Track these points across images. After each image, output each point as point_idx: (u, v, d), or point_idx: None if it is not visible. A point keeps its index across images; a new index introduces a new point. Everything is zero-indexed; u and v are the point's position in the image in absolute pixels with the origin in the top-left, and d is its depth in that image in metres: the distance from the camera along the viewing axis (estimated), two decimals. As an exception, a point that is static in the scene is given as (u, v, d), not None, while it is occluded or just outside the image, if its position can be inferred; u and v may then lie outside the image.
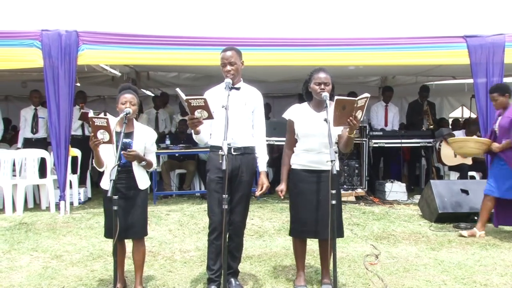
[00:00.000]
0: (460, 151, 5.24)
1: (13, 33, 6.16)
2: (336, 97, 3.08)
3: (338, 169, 3.51)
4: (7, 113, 10.20)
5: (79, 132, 7.76)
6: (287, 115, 3.60)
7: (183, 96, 3.14)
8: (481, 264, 4.17)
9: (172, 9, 8.21)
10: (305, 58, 6.33)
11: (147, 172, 3.59)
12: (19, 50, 6.09)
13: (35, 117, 7.54)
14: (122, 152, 3.30)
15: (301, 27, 7.04)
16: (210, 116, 3.17)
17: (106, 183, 3.33)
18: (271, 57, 6.40)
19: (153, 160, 3.55)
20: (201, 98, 3.12)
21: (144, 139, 3.48)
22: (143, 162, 3.42)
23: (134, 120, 3.54)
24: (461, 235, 5.07)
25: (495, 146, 5.02)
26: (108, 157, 3.34)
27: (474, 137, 5.50)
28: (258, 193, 3.52)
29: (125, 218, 3.35)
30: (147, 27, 6.76)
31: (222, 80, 3.45)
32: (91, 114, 3.38)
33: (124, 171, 3.37)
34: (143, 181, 3.46)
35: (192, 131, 3.39)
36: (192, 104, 3.11)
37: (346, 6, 8.18)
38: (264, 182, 3.52)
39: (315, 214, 3.42)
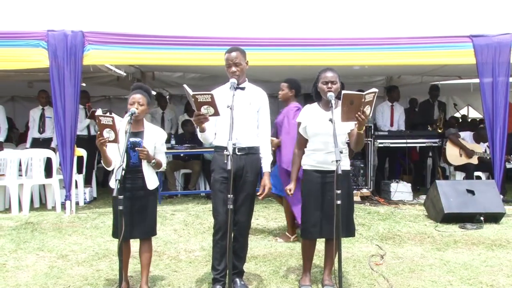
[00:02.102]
0: None
1: (19, 34, 6.19)
2: (343, 92, 3.07)
3: (347, 168, 3.51)
4: (14, 113, 10.27)
5: (85, 132, 7.79)
6: (298, 117, 3.61)
7: (190, 91, 3.13)
8: (487, 264, 4.15)
9: (177, 9, 8.23)
10: (310, 58, 6.32)
11: (156, 172, 3.57)
12: (25, 50, 6.11)
13: (42, 117, 7.58)
14: (137, 149, 3.32)
15: (306, 27, 7.03)
16: (216, 113, 3.15)
17: (114, 182, 3.33)
18: (275, 57, 6.40)
19: (163, 160, 3.54)
20: (208, 94, 3.09)
21: (154, 139, 3.47)
22: (153, 162, 3.41)
23: (144, 120, 3.55)
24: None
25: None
26: (117, 156, 3.33)
27: None
28: (261, 197, 3.54)
29: (133, 218, 3.36)
30: (152, 27, 6.78)
31: (227, 80, 3.45)
32: (98, 112, 3.38)
33: (134, 171, 3.38)
34: (152, 181, 3.46)
35: (197, 129, 3.38)
36: (198, 100, 3.10)
37: (350, 6, 8.17)
38: (266, 184, 3.53)
39: (326, 214, 3.40)
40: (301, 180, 3.62)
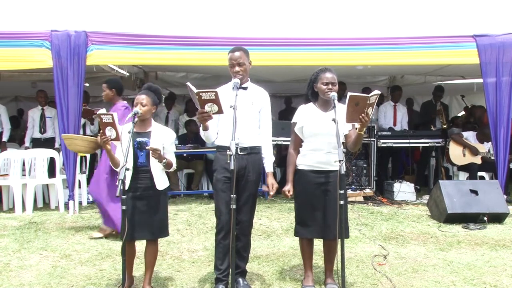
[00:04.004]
0: (70, 148, 5.27)
1: (23, 34, 6.21)
2: (349, 93, 3.07)
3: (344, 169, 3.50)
4: (17, 113, 10.29)
5: (80, 132, 7.77)
6: (294, 117, 3.59)
7: (194, 89, 3.13)
8: (490, 265, 4.14)
9: (180, 9, 8.24)
10: (313, 58, 6.32)
11: (166, 173, 3.55)
12: (28, 50, 6.14)
13: (42, 117, 7.60)
14: (148, 148, 3.30)
15: (308, 27, 7.03)
16: (220, 111, 3.14)
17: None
18: (278, 57, 6.40)
19: (173, 160, 3.52)
20: (212, 91, 3.09)
21: (162, 139, 3.45)
22: (164, 162, 3.38)
23: (152, 120, 3.54)
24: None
25: None
26: (122, 156, 3.31)
27: (83, 135, 5.67)
28: (271, 193, 3.51)
29: (141, 218, 3.35)
30: (155, 27, 6.79)
31: (230, 80, 3.45)
32: (101, 111, 3.38)
33: (142, 171, 3.37)
34: (161, 181, 3.44)
35: (201, 127, 3.38)
36: (203, 98, 3.09)
37: (354, 6, 8.16)
38: (273, 183, 3.53)
39: (321, 214, 3.41)
40: (296, 180, 3.58)
